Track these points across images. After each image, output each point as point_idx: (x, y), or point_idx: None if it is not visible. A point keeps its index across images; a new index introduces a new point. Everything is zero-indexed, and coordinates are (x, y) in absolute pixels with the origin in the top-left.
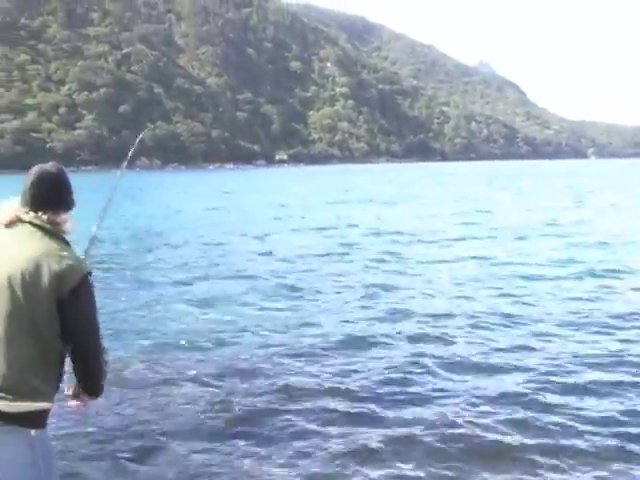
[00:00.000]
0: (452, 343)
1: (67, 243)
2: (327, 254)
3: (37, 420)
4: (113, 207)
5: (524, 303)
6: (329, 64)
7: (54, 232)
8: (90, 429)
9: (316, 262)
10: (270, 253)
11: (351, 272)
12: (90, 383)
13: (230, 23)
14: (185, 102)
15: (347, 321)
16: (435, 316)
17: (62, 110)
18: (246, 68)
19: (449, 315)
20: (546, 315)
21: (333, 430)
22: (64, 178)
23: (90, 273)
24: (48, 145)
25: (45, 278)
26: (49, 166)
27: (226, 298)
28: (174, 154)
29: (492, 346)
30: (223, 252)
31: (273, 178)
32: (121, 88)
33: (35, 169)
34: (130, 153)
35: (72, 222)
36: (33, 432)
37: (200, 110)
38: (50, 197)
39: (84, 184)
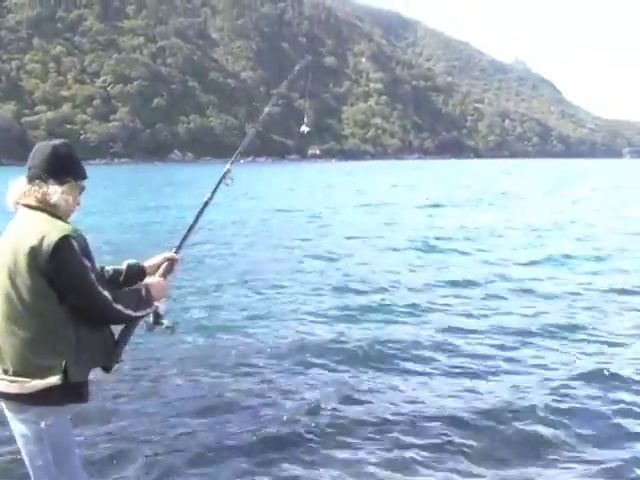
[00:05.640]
0: None
1: (53, 215)
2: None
3: (51, 397)
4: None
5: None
6: (363, 59)
7: (42, 208)
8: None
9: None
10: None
11: None
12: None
13: (265, 17)
14: (219, 96)
15: None
16: None
17: (96, 102)
18: (280, 62)
19: None
20: None
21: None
22: (61, 150)
23: (67, 236)
24: (82, 137)
25: (22, 257)
26: (50, 140)
27: None
28: (207, 148)
29: None
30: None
31: (318, 174)
32: (155, 81)
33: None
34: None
35: (68, 196)
36: (43, 424)
37: (234, 104)
38: (41, 166)
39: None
